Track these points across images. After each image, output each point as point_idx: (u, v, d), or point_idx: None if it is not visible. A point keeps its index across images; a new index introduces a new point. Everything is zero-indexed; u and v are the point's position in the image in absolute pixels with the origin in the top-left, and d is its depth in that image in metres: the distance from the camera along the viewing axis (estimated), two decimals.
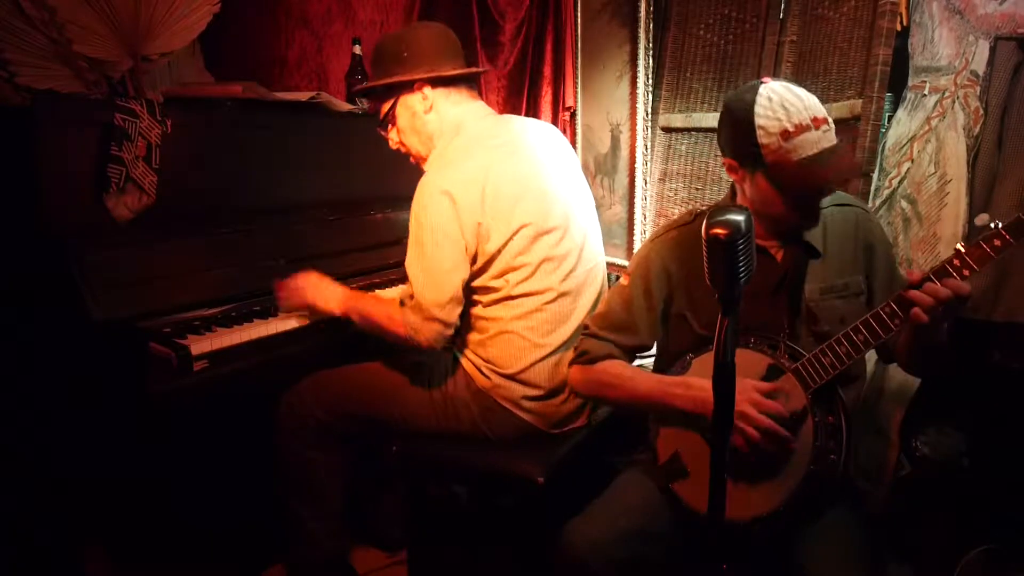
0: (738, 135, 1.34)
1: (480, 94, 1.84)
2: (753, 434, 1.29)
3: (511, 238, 1.62)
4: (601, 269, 1.84)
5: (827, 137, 1.31)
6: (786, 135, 1.28)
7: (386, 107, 1.77)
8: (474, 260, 1.64)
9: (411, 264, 1.64)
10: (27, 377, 1.66)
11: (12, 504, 1.70)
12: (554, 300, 1.68)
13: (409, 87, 1.73)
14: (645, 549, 1.39)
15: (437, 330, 1.62)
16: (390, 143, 1.83)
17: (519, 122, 1.81)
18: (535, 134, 1.78)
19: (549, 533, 1.42)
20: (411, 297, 1.63)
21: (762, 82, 1.35)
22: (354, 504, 1.94)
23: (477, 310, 1.70)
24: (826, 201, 1.45)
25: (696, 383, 1.39)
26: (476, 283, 1.67)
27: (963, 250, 1.23)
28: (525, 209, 1.64)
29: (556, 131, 1.90)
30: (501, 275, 1.65)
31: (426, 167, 1.73)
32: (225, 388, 1.63)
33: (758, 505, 1.32)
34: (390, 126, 1.80)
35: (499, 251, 1.63)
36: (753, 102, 1.31)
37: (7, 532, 1.71)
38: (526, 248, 1.64)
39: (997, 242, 1.21)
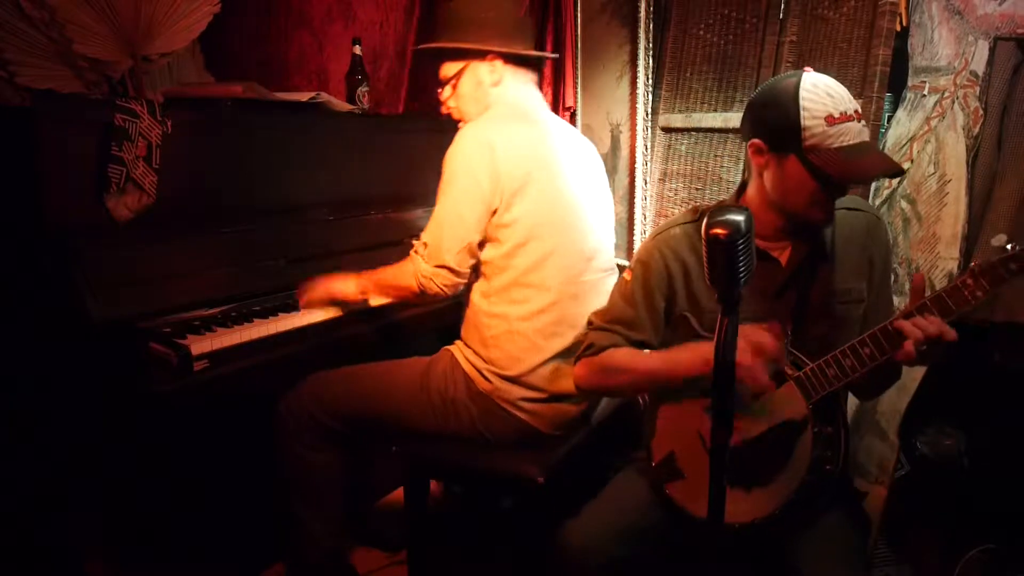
0: (778, 115, 1.31)
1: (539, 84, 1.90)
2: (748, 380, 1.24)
3: (527, 215, 1.64)
4: (611, 280, 1.84)
5: (865, 132, 1.31)
6: (831, 120, 1.27)
7: (453, 69, 1.78)
8: (492, 217, 1.65)
9: (437, 209, 1.66)
10: (27, 377, 1.66)
11: (12, 504, 1.70)
12: (560, 301, 1.69)
13: (481, 56, 1.75)
14: (640, 548, 1.39)
15: (448, 277, 1.64)
16: (443, 104, 1.84)
17: (564, 125, 1.87)
18: (573, 141, 1.84)
19: (549, 533, 1.42)
20: (424, 245, 1.65)
21: (804, 71, 1.34)
22: (354, 504, 1.94)
23: (483, 306, 1.71)
24: (838, 203, 1.44)
25: (702, 346, 1.34)
26: (486, 256, 1.68)
27: (977, 271, 1.19)
28: (549, 197, 1.67)
29: (590, 144, 1.94)
30: (511, 254, 1.66)
31: (477, 120, 1.72)
32: (225, 388, 1.63)
33: (751, 510, 1.32)
34: (451, 89, 1.80)
35: (515, 222, 1.64)
36: (798, 84, 1.30)
37: (7, 532, 1.71)
38: (539, 234, 1.66)
39: (1014, 265, 1.17)
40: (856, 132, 1.29)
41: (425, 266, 1.65)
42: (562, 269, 1.69)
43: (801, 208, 1.36)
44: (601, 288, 1.79)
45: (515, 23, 1.78)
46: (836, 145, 1.27)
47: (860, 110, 1.31)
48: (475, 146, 1.62)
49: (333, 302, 1.82)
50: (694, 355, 1.35)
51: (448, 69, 1.79)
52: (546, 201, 1.67)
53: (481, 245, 1.68)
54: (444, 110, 1.85)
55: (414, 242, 1.70)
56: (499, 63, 1.75)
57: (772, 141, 1.34)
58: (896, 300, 1.74)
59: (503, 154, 1.61)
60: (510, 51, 1.75)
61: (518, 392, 1.68)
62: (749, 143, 1.39)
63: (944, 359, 1.24)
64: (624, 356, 1.50)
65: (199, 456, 1.81)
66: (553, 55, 1.89)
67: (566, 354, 1.69)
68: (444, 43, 1.79)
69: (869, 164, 1.30)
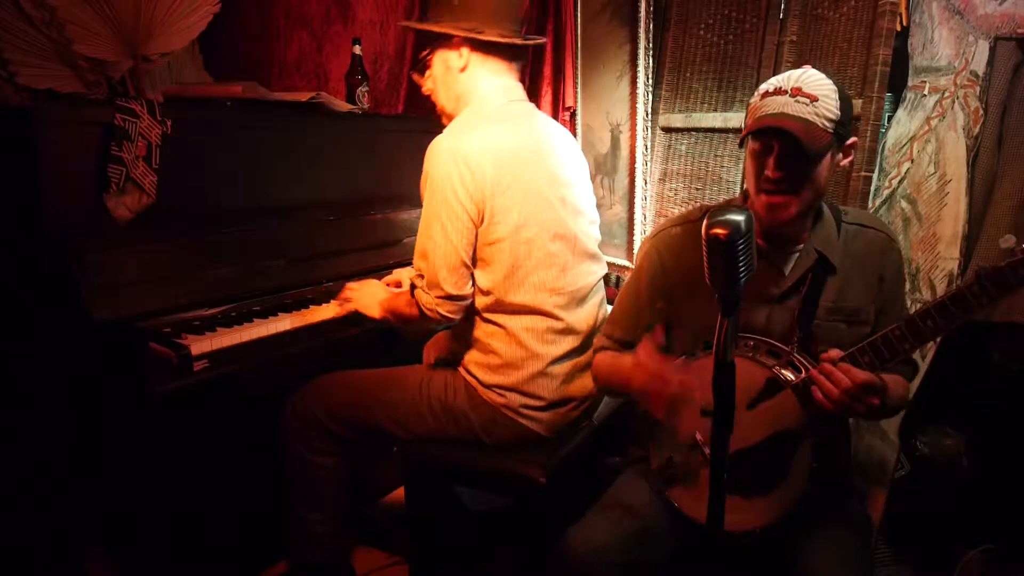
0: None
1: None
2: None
3: (521, 227, 1.61)
4: (601, 283, 1.84)
5: (798, 107, 1.26)
6: (764, 95, 1.30)
7: (424, 52, 1.73)
8: (485, 243, 1.61)
9: (423, 237, 1.62)
10: (27, 377, 1.65)
11: (12, 505, 1.70)
12: (556, 308, 1.68)
13: (448, 40, 1.67)
14: (645, 552, 1.38)
15: (451, 304, 1.63)
16: (422, 87, 1.79)
17: (545, 119, 1.79)
18: (558, 135, 1.78)
19: (550, 533, 1.42)
20: (420, 277, 1.64)
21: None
22: (355, 504, 1.94)
23: (480, 318, 1.69)
24: (849, 217, 1.41)
25: (664, 366, 1.31)
26: (481, 280, 1.65)
27: (984, 275, 1.14)
28: (538, 205, 1.63)
29: (571, 136, 1.89)
30: (509, 275, 1.63)
31: (447, 130, 1.66)
32: (225, 388, 1.63)
33: (752, 519, 1.32)
34: (426, 71, 1.75)
35: (506, 237, 1.60)
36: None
37: (7, 532, 1.71)
38: (539, 244, 1.63)
39: (1023, 271, 1.12)
40: (780, 104, 1.27)
41: (427, 298, 1.63)
42: (556, 278, 1.67)
43: (753, 196, 1.35)
44: (595, 290, 1.79)
45: (493, 6, 1.63)
46: (757, 115, 1.29)
47: (808, 90, 1.26)
48: (454, 168, 1.55)
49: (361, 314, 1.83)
50: (644, 374, 1.32)
51: (423, 52, 1.74)
52: (535, 214, 1.62)
53: (474, 263, 1.65)
54: (424, 92, 1.79)
55: (412, 280, 1.68)
56: (466, 49, 1.64)
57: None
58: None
59: (480, 174, 1.55)
60: (475, 36, 1.61)
61: (519, 400, 1.67)
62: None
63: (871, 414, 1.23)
64: (605, 361, 1.54)
65: (199, 456, 1.81)
66: (537, 40, 1.69)
67: (563, 360, 1.70)
68: (414, 24, 1.74)
69: (768, 120, 1.27)
